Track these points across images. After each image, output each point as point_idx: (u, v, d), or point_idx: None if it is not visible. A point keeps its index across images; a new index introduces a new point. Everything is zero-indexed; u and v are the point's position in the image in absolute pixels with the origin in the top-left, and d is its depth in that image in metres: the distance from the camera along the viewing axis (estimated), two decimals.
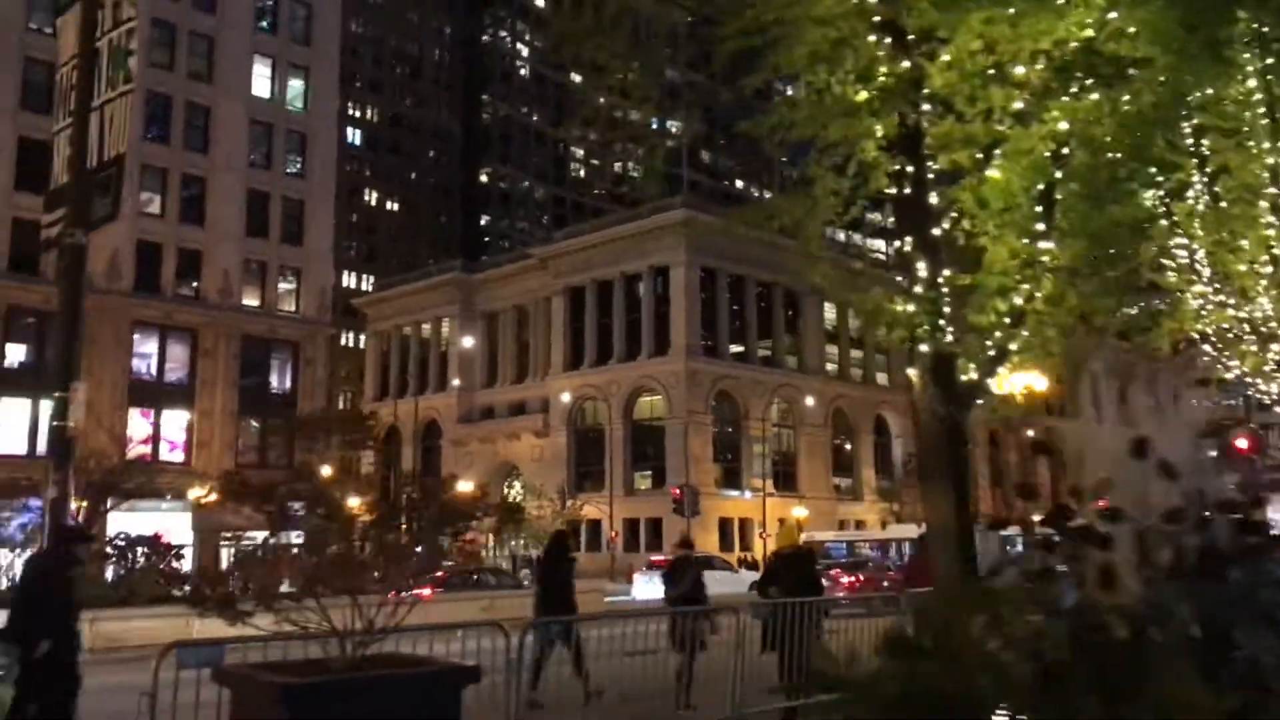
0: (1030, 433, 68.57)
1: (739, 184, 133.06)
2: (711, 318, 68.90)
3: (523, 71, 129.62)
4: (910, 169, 8.83)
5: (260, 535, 38.13)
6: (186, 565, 34.80)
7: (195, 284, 51.89)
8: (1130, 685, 2.65)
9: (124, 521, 36.54)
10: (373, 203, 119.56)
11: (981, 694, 2.87)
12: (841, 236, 69.33)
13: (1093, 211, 8.98)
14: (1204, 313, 13.91)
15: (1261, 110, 11.90)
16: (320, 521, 6.96)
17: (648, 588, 39.13)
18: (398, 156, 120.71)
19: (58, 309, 11.34)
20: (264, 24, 55.84)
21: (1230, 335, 14.16)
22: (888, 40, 8.57)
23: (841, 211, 9.18)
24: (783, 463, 69.99)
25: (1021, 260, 8.70)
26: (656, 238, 67.61)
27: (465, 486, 50.37)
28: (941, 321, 8.64)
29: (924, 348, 8.72)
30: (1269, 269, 12.77)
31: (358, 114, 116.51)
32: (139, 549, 29.79)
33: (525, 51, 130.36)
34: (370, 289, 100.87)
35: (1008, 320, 8.71)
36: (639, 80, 10.46)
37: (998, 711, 2.84)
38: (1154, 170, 10.26)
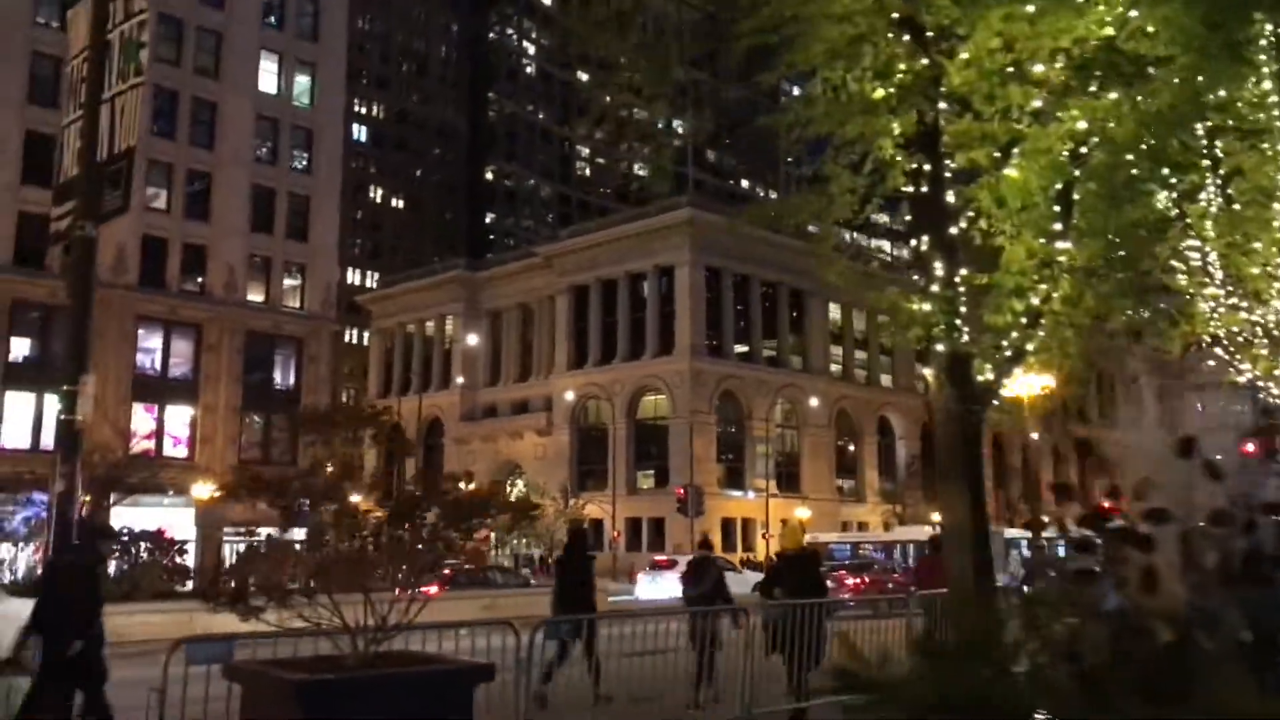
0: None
1: (744, 183, 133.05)
2: (716, 317, 68.83)
3: (529, 69, 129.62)
4: (928, 167, 8.76)
5: (265, 531, 38.15)
6: (189, 561, 34.76)
7: (200, 279, 51.84)
8: (1178, 689, 2.59)
9: (127, 517, 36.52)
10: (378, 199, 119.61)
11: (1019, 697, 2.81)
12: (848, 238, 69.23)
13: (1111, 212, 8.91)
14: (1215, 316, 13.84)
15: (1277, 113, 11.82)
16: (330, 516, 6.88)
17: (651, 588, 39.11)
18: (403, 153, 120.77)
19: (66, 302, 11.31)
20: (271, 20, 55.80)
21: (1241, 339, 14.08)
22: (906, 37, 8.50)
23: (858, 209, 9.11)
24: (786, 463, 69.92)
25: (1039, 260, 8.62)
26: (662, 237, 67.57)
27: (464, 486, 50.18)
28: (958, 321, 8.57)
29: (940, 347, 8.65)
30: None
31: (364, 110, 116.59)
32: (142, 544, 29.73)
33: (532, 49, 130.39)
34: (375, 286, 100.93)
35: (1024, 320, 8.64)
36: (651, 77, 10.38)
37: (1036, 715, 2.78)
38: (1167, 171, 10.19)
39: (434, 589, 23.34)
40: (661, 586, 37.73)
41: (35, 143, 44.48)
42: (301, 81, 56.69)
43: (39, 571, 25.24)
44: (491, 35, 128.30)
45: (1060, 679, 2.90)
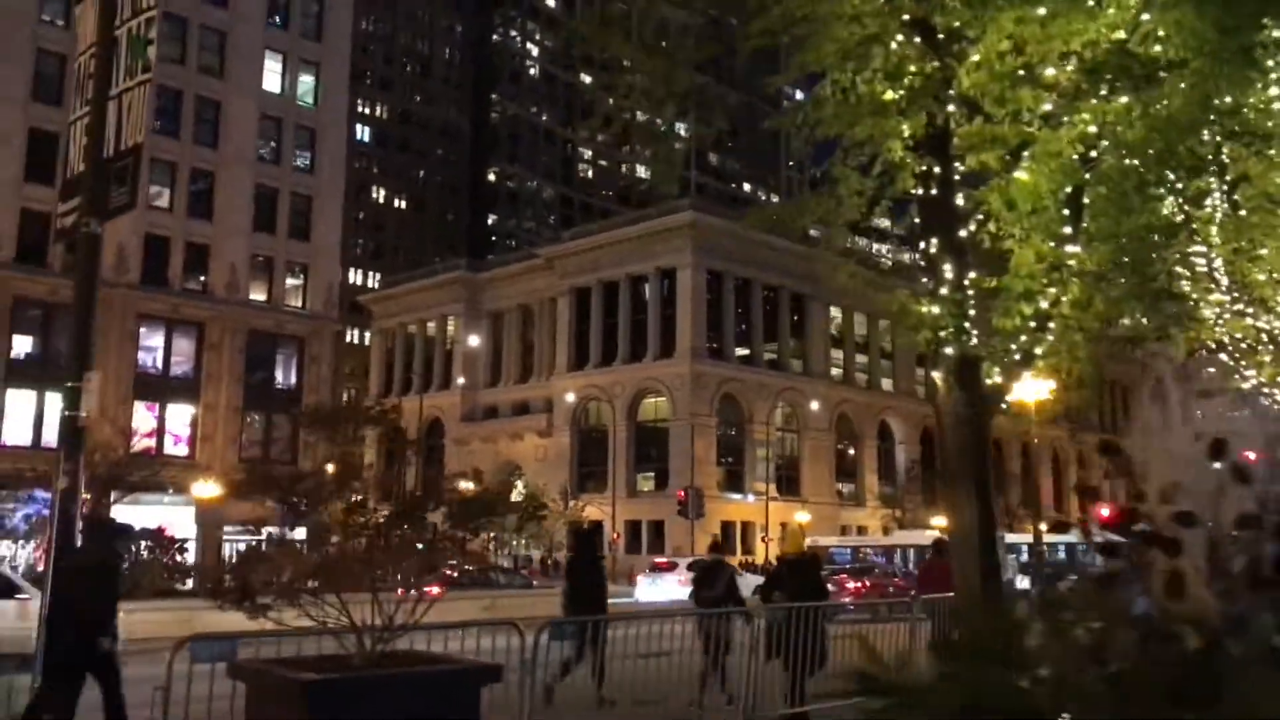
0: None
1: (746, 187, 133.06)
2: (717, 320, 68.82)
3: (532, 71, 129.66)
4: (937, 169, 8.73)
5: (267, 530, 38.16)
6: (189, 559, 34.75)
7: (202, 278, 51.82)
8: (1207, 694, 2.56)
9: (128, 515, 36.34)
10: (380, 200, 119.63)
11: (1043, 702, 2.78)
12: (854, 242, 69.23)
13: (1121, 216, 8.87)
14: (1220, 322, 13.81)
15: None
16: (340, 514, 6.86)
17: (651, 590, 39.06)
18: (406, 154, 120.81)
19: (70, 298, 11.27)
20: (275, 19, 55.81)
21: (1245, 345, 14.04)
22: (917, 39, 8.47)
23: (866, 212, 9.08)
24: (786, 467, 69.91)
25: (1048, 264, 8.59)
26: (663, 239, 67.55)
27: (466, 485, 50.22)
28: (967, 324, 8.54)
29: (949, 350, 8.62)
30: None
31: (367, 111, 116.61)
32: (143, 542, 29.72)
33: (535, 51, 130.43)
34: (376, 286, 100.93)
35: (1033, 324, 8.60)
36: (660, 79, 10.35)
37: (1063, 718, 2.75)
38: (1173, 177, 10.16)
39: (437, 589, 23.36)
40: (661, 589, 37.70)
41: (38, 140, 44.49)
42: (305, 81, 56.69)
43: (38, 569, 25.26)
44: (495, 37, 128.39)
45: (1088, 683, 2.87)
